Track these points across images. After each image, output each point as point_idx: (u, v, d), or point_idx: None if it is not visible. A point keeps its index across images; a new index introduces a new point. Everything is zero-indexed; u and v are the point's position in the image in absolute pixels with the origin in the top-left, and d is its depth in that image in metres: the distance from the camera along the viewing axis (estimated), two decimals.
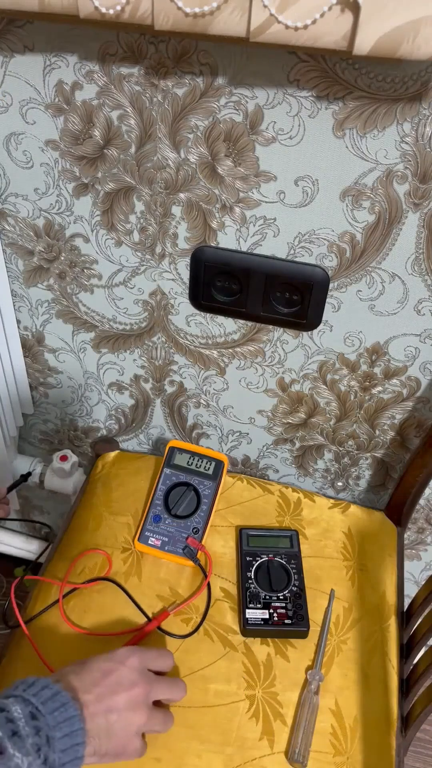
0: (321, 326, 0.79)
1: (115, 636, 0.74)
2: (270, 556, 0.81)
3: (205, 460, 0.87)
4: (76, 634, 0.74)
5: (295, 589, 0.78)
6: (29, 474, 1.01)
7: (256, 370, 0.87)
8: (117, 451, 0.99)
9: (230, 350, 0.86)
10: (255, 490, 0.92)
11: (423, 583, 0.86)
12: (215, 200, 0.72)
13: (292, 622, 0.75)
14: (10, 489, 0.94)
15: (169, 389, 0.95)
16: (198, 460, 0.87)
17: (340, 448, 0.94)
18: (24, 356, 0.97)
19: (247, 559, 0.81)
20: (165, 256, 0.79)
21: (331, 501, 0.91)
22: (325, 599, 0.80)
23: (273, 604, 0.77)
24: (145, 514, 0.85)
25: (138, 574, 0.80)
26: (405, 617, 0.80)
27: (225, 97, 0.64)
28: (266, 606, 0.76)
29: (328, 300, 0.76)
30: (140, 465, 0.94)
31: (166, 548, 0.82)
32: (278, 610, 0.76)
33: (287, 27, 0.49)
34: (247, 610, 0.76)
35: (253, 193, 0.70)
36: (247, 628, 0.75)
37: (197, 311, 0.83)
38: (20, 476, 1.00)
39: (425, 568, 1.08)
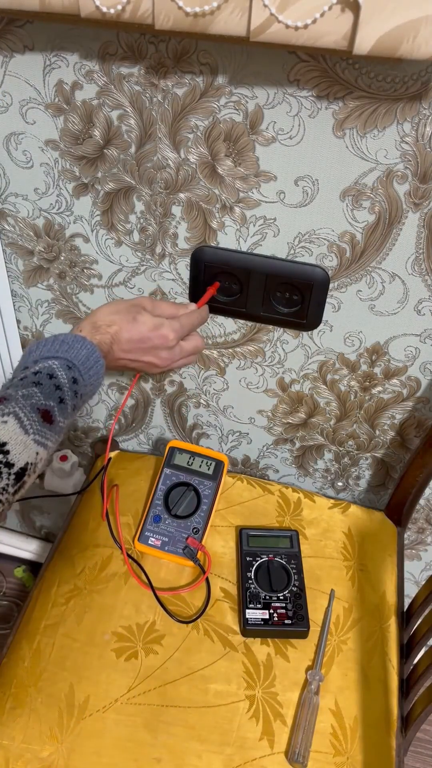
0: (321, 326, 0.79)
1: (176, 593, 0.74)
2: (270, 556, 0.81)
3: (205, 460, 0.87)
4: (76, 635, 0.75)
5: (295, 589, 0.78)
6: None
7: (256, 370, 0.87)
8: (117, 451, 0.99)
9: (230, 350, 0.86)
10: (255, 490, 0.91)
11: (423, 583, 0.86)
12: (215, 200, 0.72)
13: (292, 622, 0.75)
14: None
15: (169, 389, 0.95)
16: (198, 460, 0.87)
17: (340, 448, 0.94)
18: None
19: (247, 559, 0.81)
20: (165, 256, 0.79)
21: (331, 501, 0.91)
22: (325, 599, 0.80)
23: (273, 604, 0.77)
24: (145, 514, 0.84)
25: (138, 574, 0.80)
26: (405, 617, 0.80)
27: (225, 96, 0.64)
28: (266, 606, 0.76)
29: (328, 300, 0.76)
30: (140, 465, 0.94)
31: (166, 548, 0.82)
32: (278, 610, 0.76)
33: (287, 27, 0.49)
34: (247, 610, 0.76)
35: (253, 193, 0.70)
36: (247, 628, 0.75)
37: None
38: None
39: (425, 568, 1.08)
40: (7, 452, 0.51)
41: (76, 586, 0.79)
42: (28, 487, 0.54)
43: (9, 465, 0.51)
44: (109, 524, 0.84)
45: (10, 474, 0.51)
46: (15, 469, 0.51)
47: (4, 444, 0.51)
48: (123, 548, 0.82)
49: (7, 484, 0.50)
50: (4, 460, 0.50)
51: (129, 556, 0.82)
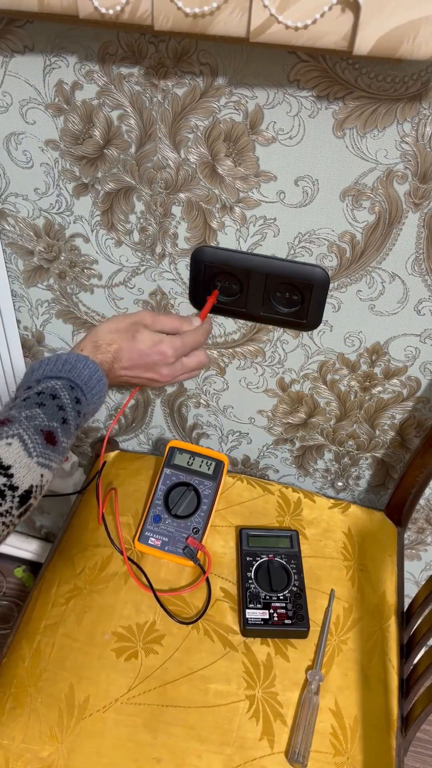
0: (321, 326, 0.79)
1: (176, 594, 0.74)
2: (270, 556, 0.81)
3: (205, 460, 0.87)
4: (76, 635, 0.75)
5: (295, 589, 0.78)
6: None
7: (256, 370, 0.87)
8: (117, 451, 0.99)
9: (230, 350, 0.86)
10: (255, 490, 0.91)
11: (423, 583, 0.86)
12: (215, 200, 0.72)
13: (292, 622, 0.75)
14: None
15: (169, 389, 0.95)
16: (198, 460, 0.87)
17: (340, 448, 0.94)
18: (24, 356, 0.97)
19: (247, 559, 0.81)
20: (165, 256, 0.79)
21: (331, 501, 0.91)
22: (325, 599, 0.80)
23: (273, 604, 0.77)
24: (145, 514, 0.84)
25: (137, 575, 0.80)
26: (405, 617, 0.80)
27: (225, 97, 0.64)
28: (266, 606, 0.76)
29: (328, 300, 0.76)
30: (140, 465, 0.94)
31: (166, 548, 0.82)
32: (278, 610, 0.76)
33: (287, 27, 0.49)
34: (247, 610, 0.76)
35: (253, 193, 0.70)
36: (247, 628, 0.75)
37: (197, 311, 0.83)
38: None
39: (425, 568, 1.08)
40: (12, 475, 0.51)
41: (76, 586, 0.79)
42: (33, 509, 0.55)
43: (13, 488, 0.51)
44: (106, 527, 0.84)
45: (14, 497, 0.51)
46: (19, 492, 0.51)
47: (8, 467, 0.51)
48: (123, 551, 0.82)
49: (11, 507, 0.51)
50: (9, 483, 0.51)
51: (129, 558, 0.82)
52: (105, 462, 0.95)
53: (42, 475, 0.54)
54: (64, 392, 0.58)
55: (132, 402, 0.99)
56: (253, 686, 0.72)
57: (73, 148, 0.73)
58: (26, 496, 0.52)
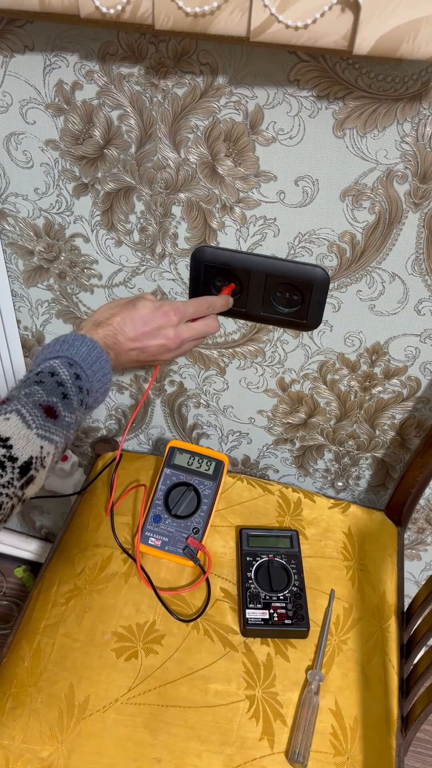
0: (321, 326, 0.79)
1: (176, 593, 0.74)
2: (270, 556, 0.81)
3: (205, 460, 0.87)
4: (76, 634, 0.75)
5: (295, 589, 0.78)
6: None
7: (256, 370, 0.87)
8: (117, 451, 0.99)
9: (230, 350, 0.86)
10: (255, 490, 0.91)
11: (423, 583, 0.86)
12: (215, 200, 0.72)
13: (292, 622, 0.75)
14: None
15: (169, 389, 0.95)
16: (198, 460, 0.87)
17: (340, 448, 0.94)
18: (24, 356, 0.97)
19: (247, 559, 0.81)
20: (165, 256, 0.79)
21: (331, 501, 0.91)
22: (325, 599, 0.80)
23: (273, 604, 0.77)
24: (145, 514, 0.85)
25: (138, 574, 0.80)
26: (405, 617, 0.80)
27: (225, 97, 0.64)
28: (266, 606, 0.76)
29: (328, 300, 0.76)
30: (140, 465, 0.94)
31: (167, 548, 0.82)
32: (278, 610, 0.76)
33: (287, 27, 0.49)
34: (247, 610, 0.76)
35: (253, 193, 0.70)
36: (247, 628, 0.75)
37: None
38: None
39: (425, 568, 1.08)
40: (11, 447, 0.52)
41: (76, 586, 0.79)
42: (40, 483, 0.55)
43: (13, 459, 0.52)
44: (111, 521, 0.84)
45: (14, 468, 0.51)
46: (19, 463, 0.52)
47: (7, 439, 0.52)
48: (137, 549, 0.82)
49: (12, 478, 0.51)
50: (8, 455, 0.51)
51: (130, 556, 0.82)
52: (122, 455, 0.94)
53: (42, 447, 0.54)
54: (63, 369, 0.59)
55: (132, 402, 0.99)
56: (253, 686, 0.72)
57: (73, 148, 0.73)
58: (26, 467, 0.52)
